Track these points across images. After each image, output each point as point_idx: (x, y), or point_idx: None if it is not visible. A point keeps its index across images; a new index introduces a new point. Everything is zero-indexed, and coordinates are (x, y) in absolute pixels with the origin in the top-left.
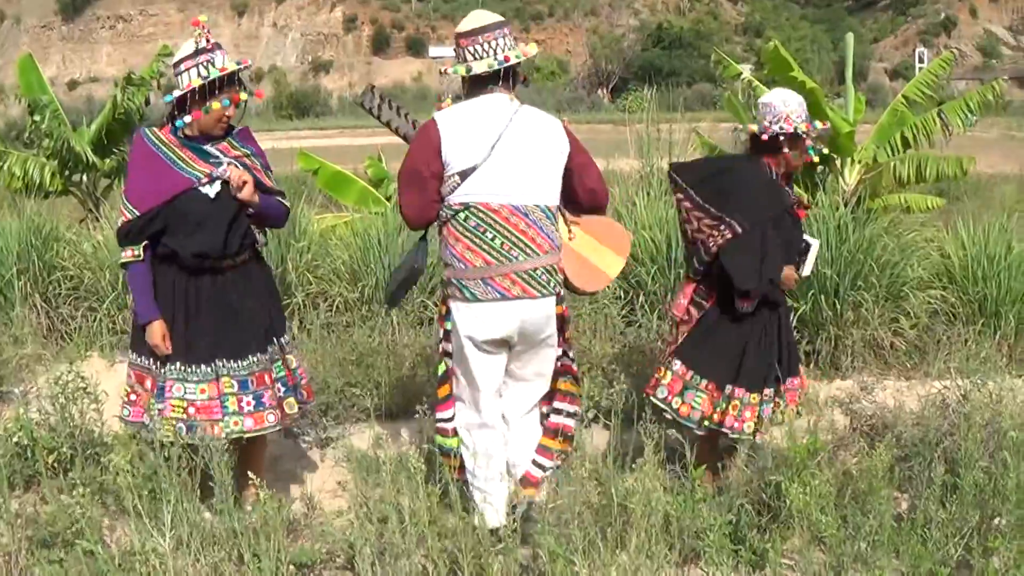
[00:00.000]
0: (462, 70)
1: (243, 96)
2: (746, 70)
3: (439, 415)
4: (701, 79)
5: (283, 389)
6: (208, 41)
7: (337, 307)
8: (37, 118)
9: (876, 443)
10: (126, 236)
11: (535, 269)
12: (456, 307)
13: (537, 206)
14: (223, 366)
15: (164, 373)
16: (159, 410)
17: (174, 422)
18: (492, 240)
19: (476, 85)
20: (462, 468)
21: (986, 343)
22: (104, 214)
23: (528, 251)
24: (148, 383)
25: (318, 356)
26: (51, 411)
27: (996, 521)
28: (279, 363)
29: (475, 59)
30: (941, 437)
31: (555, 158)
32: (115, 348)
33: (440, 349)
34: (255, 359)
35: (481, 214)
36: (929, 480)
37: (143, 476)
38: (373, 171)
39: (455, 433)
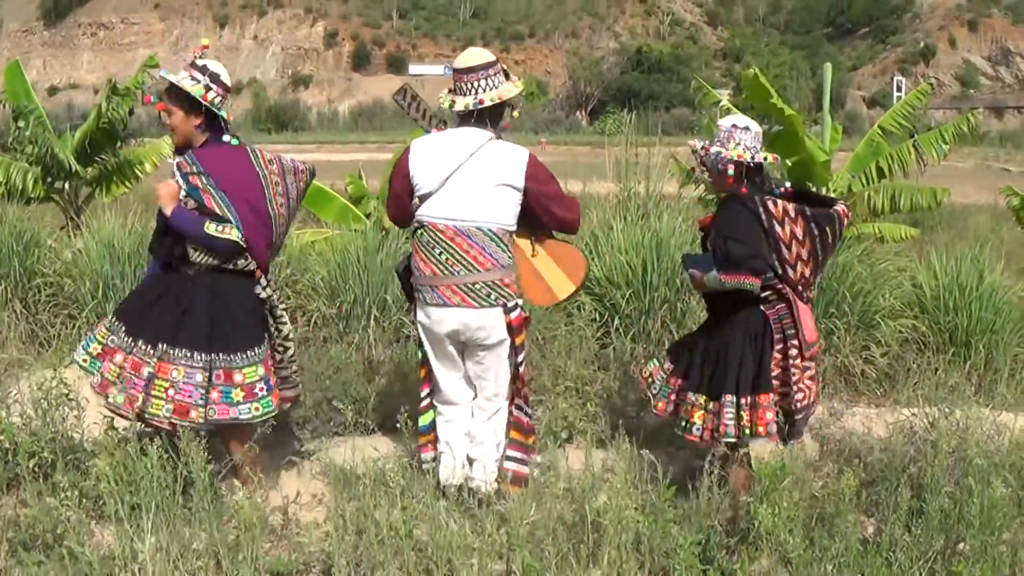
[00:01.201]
0: (446, 104)
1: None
2: (725, 96)
3: (421, 393)
4: (679, 104)
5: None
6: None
7: (315, 322)
8: (21, 124)
9: (844, 468)
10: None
11: (475, 283)
12: (417, 306)
13: (479, 229)
14: (242, 356)
15: (125, 343)
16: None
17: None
18: (439, 255)
19: (459, 118)
20: (435, 444)
21: (955, 372)
22: (85, 222)
23: (469, 267)
24: (118, 357)
25: None
26: (33, 416)
27: (960, 546)
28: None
29: (460, 95)
30: (907, 463)
31: (505, 190)
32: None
33: (417, 339)
34: (212, 358)
35: (431, 232)
36: (895, 505)
37: (125, 482)
38: (353, 188)
39: (430, 408)
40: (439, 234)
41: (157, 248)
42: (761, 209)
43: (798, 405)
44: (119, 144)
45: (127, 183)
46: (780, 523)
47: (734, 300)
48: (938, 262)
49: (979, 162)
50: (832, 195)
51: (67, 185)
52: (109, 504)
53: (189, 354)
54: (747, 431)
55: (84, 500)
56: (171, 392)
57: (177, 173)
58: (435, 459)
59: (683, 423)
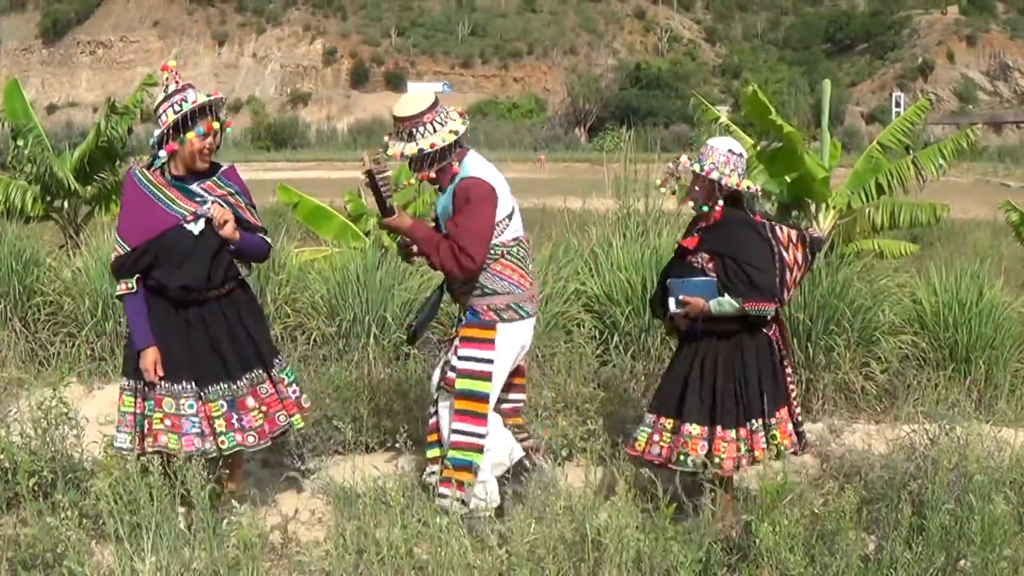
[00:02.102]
0: (451, 137)
1: (215, 125)
2: (723, 112)
3: (475, 429)
4: (678, 120)
5: (298, 390)
6: (178, 83)
7: (315, 340)
8: (20, 143)
9: (845, 485)
10: (119, 271)
11: None
12: (508, 328)
13: None
14: (211, 390)
15: (156, 391)
16: (160, 418)
17: (164, 433)
18: (528, 265)
19: (458, 145)
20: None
21: (955, 388)
22: (84, 241)
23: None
24: (136, 403)
25: None
26: (33, 435)
27: (961, 563)
28: (264, 385)
29: (441, 126)
30: (908, 479)
31: None
32: (94, 375)
33: (479, 371)
34: (239, 383)
35: (524, 246)
36: (896, 521)
37: (124, 502)
38: (352, 206)
39: (482, 449)
40: (527, 246)
41: (214, 274)
42: (770, 234)
43: (799, 418)
44: (118, 163)
45: None
46: (781, 540)
47: (739, 325)
48: (938, 278)
49: (978, 177)
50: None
51: (66, 204)
52: (109, 523)
53: (261, 371)
54: (780, 449)
55: (84, 519)
56: (261, 411)
57: (210, 196)
58: (465, 500)
59: (682, 457)
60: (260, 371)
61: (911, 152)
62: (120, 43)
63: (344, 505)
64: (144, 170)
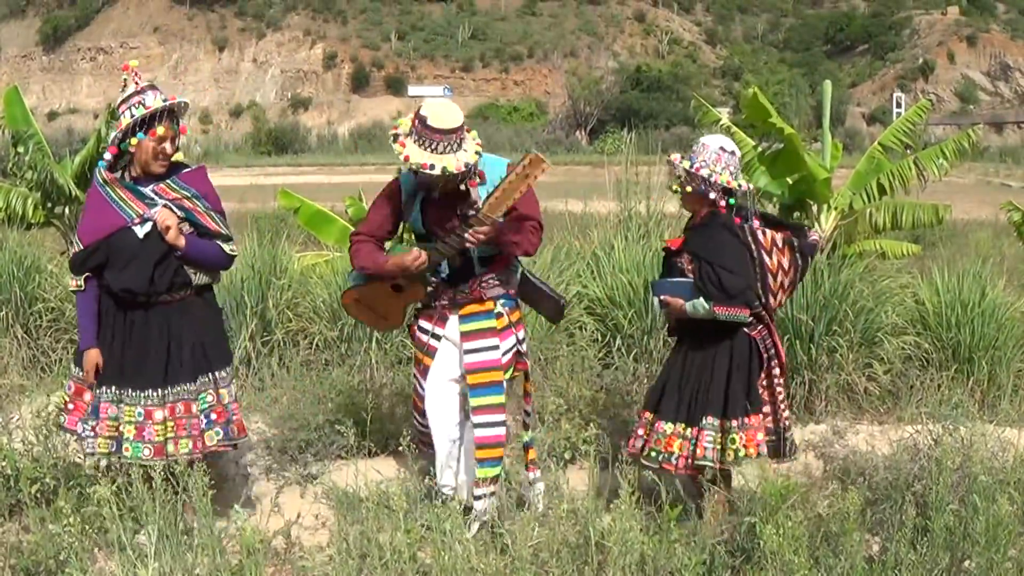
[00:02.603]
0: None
1: (159, 131)
2: (724, 114)
3: (528, 407)
4: (679, 122)
5: (205, 422)
6: (137, 84)
7: (316, 345)
8: (20, 149)
9: (848, 486)
10: (73, 267)
11: None
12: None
13: None
14: (130, 395)
15: (99, 395)
16: (92, 427)
17: (108, 440)
18: None
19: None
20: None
21: (959, 388)
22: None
23: None
24: (87, 396)
25: (297, 393)
26: (35, 442)
27: (966, 563)
28: (204, 395)
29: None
30: (912, 480)
31: None
32: None
33: (508, 361)
34: (160, 394)
35: None
36: (900, 523)
37: (127, 507)
38: (353, 210)
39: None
40: None
41: (158, 280)
42: (750, 238)
43: (786, 423)
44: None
45: None
46: (784, 542)
47: (718, 326)
48: (940, 278)
49: (979, 177)
50: (833, 211)
51: (67, 210)
52: (111, 530)
53: (188, 386)
54: (739, 453)
55: (86, 526)
56: (214, 416)
57: (160, 201)
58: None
59: (653, 453)
60: (186, 385)
61: (911, 152)
62: (120, 49)
63: (347, 510)
64: (103, 171)
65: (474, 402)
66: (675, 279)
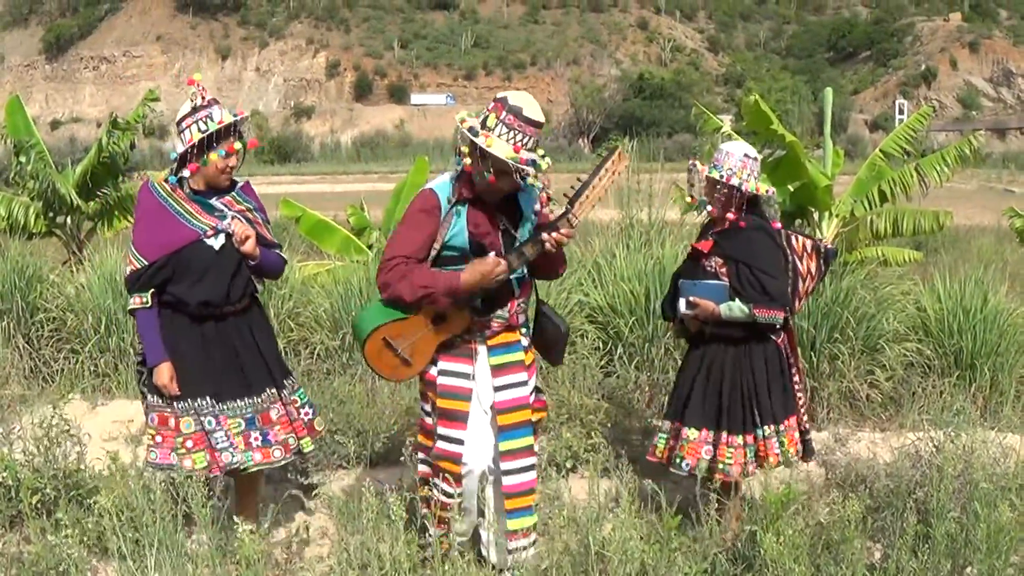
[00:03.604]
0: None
1: (237, 146)
2: (726, 121)
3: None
4: (681, 130)
5: (311, 412)
6: (203, 98)
7: (318, 354)
8: (23, 159)
9: (850, 494)
10: (135, 284)
11: None
12: None
13: None
14: (229, 406)
15: (182, 411)
16: (181, 442)
17: (201, 453)
18: None
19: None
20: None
21: (961, 395)
22: (87, 257)
23: None
24: (172, 422)
25: None
26: (35, 452)
27: (968, 570)
28: (301, 391)
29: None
30: (913, 487)
31: None
32: (97, 391)
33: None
34: (260, 398)
35: None
36: (901, 530)
37: (128, 519)
38: (355, 219)
39: None
40: None
41: (233, 291)
42: (786, 243)
43: (807, 426)
44: (120, 178)
45: (129, 217)
46: (786, 550)
47: (748, 332)
48: (942, 285)
49: (982, 183)
50: (835, 219)
51: (69, 220)
52: (112, 541)
53: (274, 390)
54: (788, 455)
55: (86, 537)
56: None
57: (229, 212)
58: None
59: (678, 460)
60: (273, 390)
61: (912, 159)
62: (123, 58)
63: (347, 520)
64: (163, 183)
65: (504, 446)
66: (707, 281)
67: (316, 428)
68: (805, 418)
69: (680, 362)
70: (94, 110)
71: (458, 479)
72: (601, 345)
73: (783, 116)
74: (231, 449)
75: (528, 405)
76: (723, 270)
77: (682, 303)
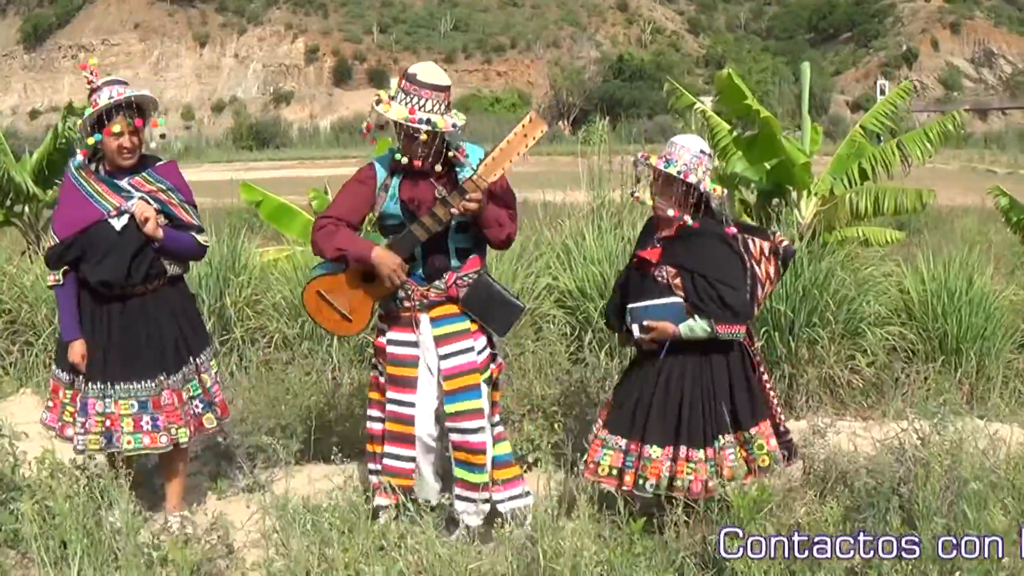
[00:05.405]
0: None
1: (116, 128)
2: (707, 102)
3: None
4: (662, 111)
5: (200, 405)
6: (89, 83)
7: (276, 343)
8: None
9: (828, 493)
10: (48, 261)
11: None
12: None
13: None
14: (121, 388)
15: (86, 391)
16: (82, 423)
17: (98, 435)
18: None
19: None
20: None
21: (946, 381)
22: (44, 246)
23: None
24: (61, 393)
25: (251, 395)
26: None
27: (956, 575)
28: (194, 382)
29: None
30: (897, 484)
31: None
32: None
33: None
34: (152, 382)
35: None
36: (884, 532)
37: (49, 524)
38: (318, 203)
39: None
40: None
41: (135, 271)
42: (743, 249)
43: (783, 427)
44: None
45: None
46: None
47: (709, 342)
48: (925, 266)
49: (964, 164)
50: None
51: (26, 208)
52: (33, 547)
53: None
54: (772, 456)
55: (6, 543)
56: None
57: (136, 193)
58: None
59: (641, 481)
60: (162, 377)
61: (894, 136)
62: (102, 47)
63: (293, 523)
64: (78, 164)
65: (450, 408)
66: (659, 302)
67: (204, 424)
68: (781, 416)
69: (628, 366)
70: (73, 99)
71: (411, 441)
72: (569, 331)
73: (764, 97)
74: (122, 432)
75: (476, 369)
76: (676, 281)
77: (635, 328)
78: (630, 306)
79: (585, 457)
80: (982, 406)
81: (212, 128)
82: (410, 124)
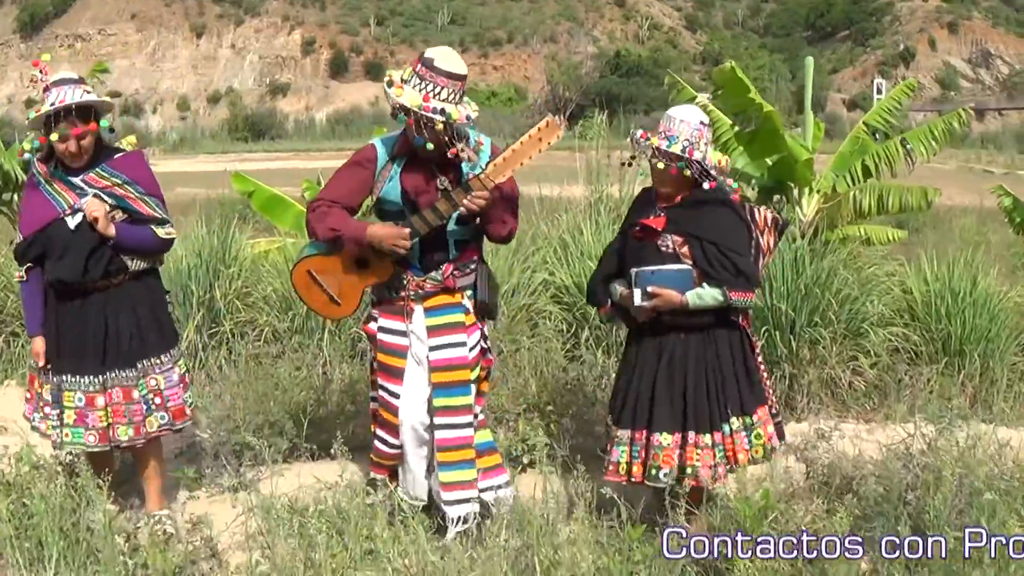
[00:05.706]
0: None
1: (53, 137)
2: (705, 98)
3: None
4: (658, 107)
5: (147, 407)
6: (35, 81)
7: (266, 337)
8: None
9: (835, 500)
10: (15, 258)
11: None
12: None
13: None
14: (68, 381)
15: (44, 383)
16: (57, 414)
17: (53, 428)
18: None
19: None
20: None
21: (949, 383)
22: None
23: None
24: (36, 383)
25: (241, 390)
26: None
27: None
28: (143, 381)
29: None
30: (905, 490)
31: None
32: None
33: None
34: (96, 379)
35: None
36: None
37: (25, 527)
38: (310, 194)
39: None
40: None
41: (92, 269)
42: (750, 218)
43: (775, 410)
44: None
45: None
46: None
47: (717, 316)
48: (928, 266)
49: (961, 164)
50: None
51: (15, 197)
52: (7, 549)
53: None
54: (767, 448)
55: None
56: (158, 401)
57: (91, 190)
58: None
59: (654, 471)
60: (101, 377)
61: (890, 136)
62: (98, 36)
63: (280, 522)
64: (37, 162)
65: (438, 402)
66: (667, 267)
67: (147, 427)
68: (773, 400)
69: (624, 352)
70: None
71: (397, 430)
72: (566, 328)
73: (761, 94)
74: (69, 426)
75: (466, 365)
76: (684, 249)
77: (637, 294)
78: (636, 270)
79: (606, 460)
80: (986, 409)
81: (208, 119)
82: (424, 112)
